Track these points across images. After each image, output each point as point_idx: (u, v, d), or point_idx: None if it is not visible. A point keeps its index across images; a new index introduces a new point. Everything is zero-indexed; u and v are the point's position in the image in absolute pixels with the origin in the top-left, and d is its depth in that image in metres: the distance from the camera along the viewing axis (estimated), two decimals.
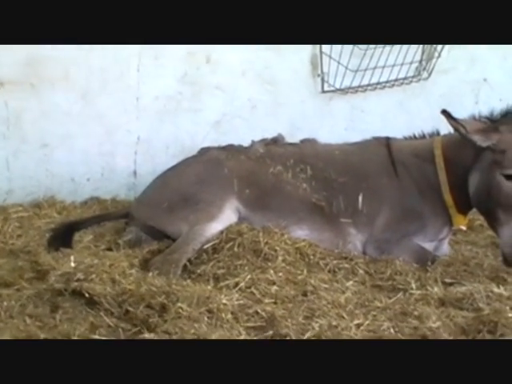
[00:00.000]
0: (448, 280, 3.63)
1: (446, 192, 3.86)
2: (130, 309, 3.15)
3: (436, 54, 5.10)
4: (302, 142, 4.30)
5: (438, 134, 4.06)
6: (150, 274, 3.42)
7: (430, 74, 5.14)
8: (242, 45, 4.65)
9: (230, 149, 4.10)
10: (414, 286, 3.54)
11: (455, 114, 4.55)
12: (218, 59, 4.69)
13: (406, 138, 4.13)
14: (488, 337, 2.99)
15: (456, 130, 3.74)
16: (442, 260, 3.80)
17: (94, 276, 3.25)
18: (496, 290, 3.42)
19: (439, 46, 5.09)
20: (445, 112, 3.72)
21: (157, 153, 4.58)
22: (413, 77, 5.12)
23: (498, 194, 3.65)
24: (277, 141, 4.22)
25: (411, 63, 5.08)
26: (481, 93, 5.34)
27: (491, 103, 5.15)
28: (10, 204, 4.22)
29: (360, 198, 3.87)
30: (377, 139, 4.12)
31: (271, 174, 3.91)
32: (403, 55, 5.00)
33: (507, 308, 3.15)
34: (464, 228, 3.97)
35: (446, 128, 4.18)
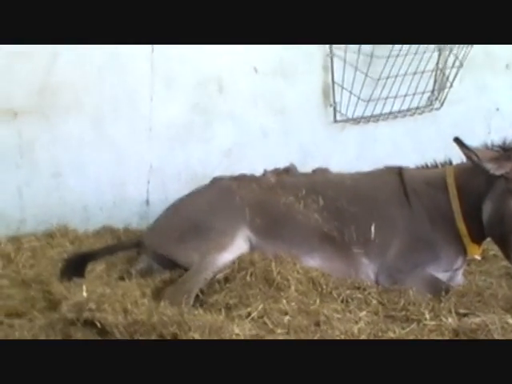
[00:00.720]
0: (462, 311, 3.59)
1: (460, 221, 3.84)
2: (142, 338, 3.13)
3: (448, 84, 5.12)
4: (314, 171, 4.30)
5: (451, 163, 4.06)
6: (162, 303, 3.41)
7: (442, 104, 5.15)
8: (253, 72, 4.69)
9: (242, 178, 4.10)
10: (427, 316, 3.51)
11: (468, 143, 4.56)
12: (230, 88, 4.72)
13: (417, 167, 4.13)
14: None
15: (468, 158, 3.74)
16: (456, 290, 3.77)
17: (106, 306, 3.24)
18: (511, 321, 3.38)
19: (451, 76, 5.10)
20: (457, 140, 3.72)
21: (169, 181, 4.59)
22: (425, 107, 5.14)
23: None
24: (289, 170, 4.22)
25: (423, 93, 5.09)
26: (493, 122, 5.35)
27: (503, 132, 5.18)
28: (22, 233, 4.22)
29: (372, 228, 3.85)
30: (389, 168, 4.12)
31: (283, 204, 3.90)
32: (415, 85, 5.02)
33: None
34: (478, 258, 3.95)
35: (458, 158, 4.18)
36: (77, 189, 4.40)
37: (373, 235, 3.85)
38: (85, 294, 3.29)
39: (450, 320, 3.45)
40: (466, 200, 3.83)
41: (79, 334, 3.13)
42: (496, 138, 3.92)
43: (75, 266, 3.73)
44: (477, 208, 3.79)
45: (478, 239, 3.88)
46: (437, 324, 3.44)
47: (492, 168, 3.68)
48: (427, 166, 4.11)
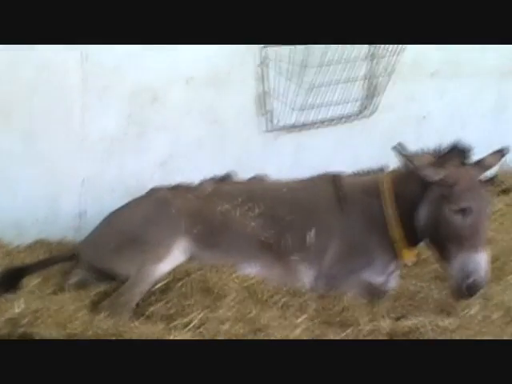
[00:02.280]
0: (395, 314, 3.67)
1: (392, 227, 3.91)
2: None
3: (377, 93, 5.22)
4: (252, 178, 4.33)
5: (384, 169, 4.13)
6: (97, 317, 3.37)
7: (372, 112, 5.25)
8: (186, 82, 4.69)
9: (178, 188, 4.10)
10: (363, 320, 3.57)
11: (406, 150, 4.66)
12: (163, 98, 4.70)
13: (352, 174, 4.20)
14: None
15: (409, 163, 3.79)
16: (389, 295, 3.84)
17: (40, 321, 3.19)
18: (441, 323, 3.47)
19: (381, 85, 5.21)
20: (396, 147, 3.79)
21: (103, 194, 4.54)
22: (356, 114, 5.23)
23: (447, 228, 3.71)
24: (227, 178, 4.24)
25: (355, 101, 5.18)
26: (422, 129, 5.48)
27: (432, 139, 5.31)
28: None
29: (308, 235, 3.90)
30: (323, 175, 4.17)
31: (219, 213, 3.91)
32: (346, 93, 5.10)
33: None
34: (410, 263, 4.03)
35: (390, 164, 4.27)
36: (8, 204, 4.31)
37: (309, 242, 3.89)
38: (17, 309, 3.23)
39: (384, 323, 3.52)
40: (401, 206, 3.90)
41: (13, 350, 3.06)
42: (425, 145, 4.01)
43: (8, 282, 3.66)
44: (411, 213, 3.85)
45: (412, 244, 3.96)
46: (372, 328, 3.50)
47: (428, 174, 3.75)
48: (361, 172, 4.17)
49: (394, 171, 4.07)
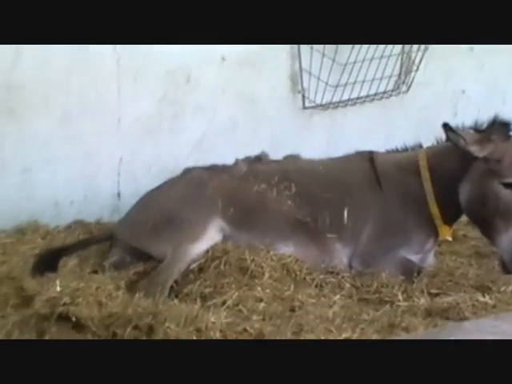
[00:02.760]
0: (434, 291, 3.66)
1: (432, 203, 3.88)
2: (118, 331, 3.13)
3: (414, 68, 5.15)
4: (286, 158, 4.32)
5: (421, 146, 4.10)
6: (137, 295, 3.41)
7: (408, 88, 5.19)
8: (220, 62, 4.68)
9: (214, 168, 4.11)
10: (400, 297, 3.57)
11: (435, 127, 4.60)
12: (198, 78, 4.71)
13: (388, 152, 4.16)
14: None
15: (455, 142, 3.76)
16: (428, 271, 3.82)
17: (80, 300, 3.23)
18: (481, 299, 3.45)
19: (417, 59, 5.14)
20: (445, 126, 3.75)
21: (139, 174, 4.57)
22: (392, 91, 5.17)
23: (497, 203, 3.69)
24: (260, 158, 4.23)
25: (390, 77, 5.13)
26: (459, 104, 5.40)
27: (469, 114, 5.22)
28: None
29: (345, 213, 3.88)
30: (360, 153, 4.14)
31: (255, 192, 3.91)
32: (382, 70, 5.05)
33: (492, 316, 3.17)
34: (450, 239, 4.00)
35: (426, 140, 4.23)
36: (46, 184, 4.37)
37: (345, 220, 3.87)
38: (58, 288, 3.28)
39: (422, 300, 3.52)
40: (439, 182, 3.87)
41: (53, 329, 3.12)
42: (462, 121, 3.96)
43: (47, 262, 3.71)
44: (450, 190, 3.83)
45: (449, 221, 3.93)
46: (409, 305, 3.50)
47: (476, 150, 3.72)
48: (398, 150, 4.14)
49: (430, 148, 4.03)
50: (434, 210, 3.88)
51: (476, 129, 3.84)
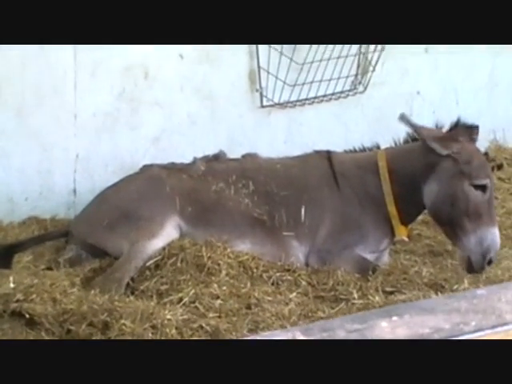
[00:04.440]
0: (388, 289, 3.70)
1: (390, 203, 3.92)
2: (72, 328, 3.11)
3: (371, 68, 5.21)
4: (244, 156, 4.33)
5: (379, 147, 4.14)
6: (92, 292, 3.38)
7: (365, 88, 5.24)
8: (179, 58, 4.66)
9: (172, 167, 4.09)
10: (355, 295, 3.60)
11: (391, 126, 4.64)
12: (156, 74, 4.68)
13: (346, 152, 4.20)
14: None
15: (417, 133, 3.80)
16: (382, 269, 3.86)
17: (34, 296, 3.20)
18: (434, 296, 3.49)
19: (374, 60, 5.19)
20: (403, 117, 3.79)
21: (96, 170, 4.53)
22: (349, 90, 5.21)
23: (466, 204, 3.74)
24: (218, 157, 4.23)
25: (347, 77, 5.17)
26: (414, 105, 5.47)
27: (425, 115, 5.31)
28: None
29: (302, 211, 3.91)
30: (318, 152, 4.17)
31: (213, 192, 3.91)
32: (339, 70, 5.09)
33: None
34: (406, 239, 4.05)
35: (382, 139, 4.27)
36: (0, 179, 4.30)
37: (303, 218, 3.90)
38: (12, 285, 3.24)
39: (377, 298, 3.55)
40: (399, 183, 3.90)
41: (6, 326, 3.08)
42: (418, 121, 4.01)
43: (1, 258, 3.66)
44: (411, 190, 3.86)
45: (407, 221, 3.97)
46: (365, 302, 3.53)
47: (438, 147, 3.76)
48: (355, 150, 4.18)
49: (389, 148, 4.08)
50: (392, 210, 3.92)
51: (437, 128, 3.90)
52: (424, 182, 3.84)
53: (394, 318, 1.44)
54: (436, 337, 1.38)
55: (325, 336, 1.37)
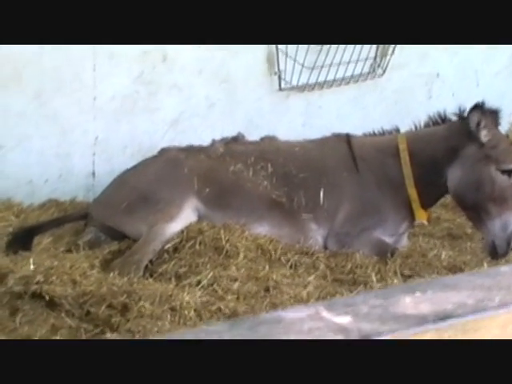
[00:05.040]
0: (407, 272, 3.69)
1: (411, 186, 3.90)
2: (92, 309, 3.13)
3: (389, 51, 5.17)
4: (262, 139, 4.32)
5: (398, 130, 4.11)
6: (111, 274, 3.40)
7: (384, 71, 5.20)
8: (197, 44, 4.65)
9: (190, 149, 4.10)
10: (374, 278, 3.59)
11: (409, 109, 4.62)
12: (174, 58, 4.67)
13: (365, 135, 4.18)
14: None
15: (474, 122, 3.73)
16: (401, 252, 3.86)
17: (53, 278, 3.22)
18: (457, 274, 3.47)
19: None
20: (479, 106, 3.73)
21: (115, 153, 4.54)
22: (368, 73, 5.18)
23: (492, 188, 3.73)
24: (237, 139, 4.23)
25: (366, 60, 5.13)
26: (433, 88, 5.43)
27: (444, 97, 5.27)
28: None
29: (321, 193, 3.90)
30: (337, 135, 4.15)
31: (231, 173, 3.91)
32: (358, 52, 5.05)
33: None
34: (426, 222, 4.04)
35: (401, 122, 4.25)
36: (20, 162, 4.32)
37: (321, 200, 3.89)
38: (32, 266, 3.26)
39: (395, 281, 3.54)
40: (421, 166, 3.88)
41: (27, 307, 3.11)
42: (436, 104, 3.99)
43: (21, 240, 3.68)
44: (432, 174, 3.85)
45: (427, 205, 3.95)
46: (383, 285, 3.52)
47: (483, 135, 3.75)
48: (375, 133, 4.15)
49: (410, 132, 4.05)
50: (412, 193, 3.90)
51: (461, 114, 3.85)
52: (447, 166, 3.83)
53: (417, 294, 1.44)
54: (459, 312, 1.38)
55: (348, 311, 1.37)
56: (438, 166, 3.84)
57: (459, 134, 3.80)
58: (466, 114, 3.83)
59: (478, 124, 3.75)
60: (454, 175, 3.82)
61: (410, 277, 3.65)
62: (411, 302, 1.43)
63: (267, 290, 3.46)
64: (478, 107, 3.76)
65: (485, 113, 3.77)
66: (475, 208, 3.80)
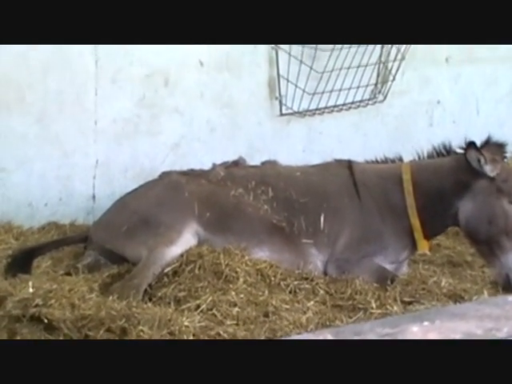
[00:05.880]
0: (407, 299, 3.67)
1: (414, 216, 3.89)
2: (90, 333, 3.11)
3: (391, 77, 5.20)
4: (263, 163, 4.33)
5: (401, 159, 4.11)
6: (110, 298, 3.39)
7: (385, 97, 5.23)
8: (199, 66, 4.68)
9: (191, 173, 4.10)
10: (373, 305, 3.58)
11: (410, 136, 4.64)
12: (176, 82, 4.70)
13: (367, 162, 4.18)
14: None
15: (471, 162, 3.74)
16: (401, 279, 3.84)
17: (52, 301, 3.21)
18: (465, 303, 3.46)
19: (394, 69, 5.18)
20: (471, 144, 3.75)
21: (115, 176, 4.55)
22: (368, 99, 5.21)
23: (505, 222, 3.73)
24: (238, 163, 4.24)
25: (367, 86, 5.16)
26: (434, 115, 5.45)
27: (444, 124, 5.29)
28: None
29: (321, 219, 3.89)
30: (338, 161, 4.15)
31: (232, 197, 3.91)
32: (359, 78, 5.08)
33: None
34: (428, 252, 4.03)
35: (401, 149, 4.26)
36: (21, 185, 4.33)
37: (322, 226, 3.88)
38: (31, 290, 3.25)
39: (395, 308, 3.53)
40: (425, 197, 3.87)
41: (25, 331, 3.09)
42: (437, 131, 4.00)
43: (20, 262, 3.68)
44: (438, 206, 3.84)
45: (430, 235, 3.95)
46: (383, 312, 3.51)
47: (489, 170, 3.75)
48: (377, 160, 4.15)
49: (414, 162, 4.03)
50: (415, 223, 3.88)
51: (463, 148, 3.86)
52: (457, 198, 3.82)
53: (425, 323, 1.43)
54: None
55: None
56: (446, 199, 3.84)
57: (467, 169, 3.80)
58: (465, 148, 3.83)
59: (479, 161, 3.75)
60: (466, 209, 3.82)
61: (410, 303, 3.64)
62: (419, 332, 1.42)
63: (266, 315, 3.44)
64: (472, 146, 3.76)
65: (483, 149, 3.76)
66: (488, 242, 3.79)
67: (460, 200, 3.82)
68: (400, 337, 1.40)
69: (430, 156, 4.02)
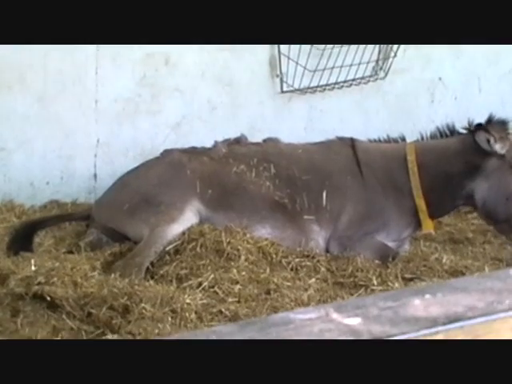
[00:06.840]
0: (408, 276, 3.69)
1: (419, 197, 3.88)
2: (93, 311, 3.13)
3: (392, 54, 5.17)
4: (265, 141, 4.32)
5: (404, 139, 4.09)
6: (112, 276, 3.40)
7: (386, 74, 5.21)
8: (200, 46, 4.66)
9: (193, 151, 4.10)
10: (375, 282, 3.59)
11: (412, 113, 4.62)
12: (177, 61, 4.69)
13: (370, 141, 4.16)
14: None
15: (484, 142, 3.73)
16: (402, 256, 3.85)
17: (55, 279, 3.23)
18: (467, 277, 3.47)
19: (395, 46, 5.15)
20: (480, 126, 3.73)
21: (117, 156, 4.55)
22: (370, 76, 5.18)
23: None
24: (240, 141, 4.23)
25: (368, 63, 5.14)
26: (436, 92, 5.43)
27: (446, 102, 5.27)
28: None
29: (324, 195, 3.89)
30: (341, 139, 4.14)
31: (234, 174, 3.91)
32: (360, 55, 5.06)
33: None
34: (433, 232, 4.03)
35: (403, 126, 4.25)
36: (22, 164, 4.34)
37: (324, 203, 3.89)
38: (33, 267, 3.27)
39: (396, 285, 3.54)
40: (431, 178, 3.86)
41: (28, 308, 3.11)
42: (439, 108, 3.99)
43: (22, 240, 3.69)
44: (445, 187, 3.83)
45: (435, 215, 3.95)
46: (384, 289, 3.52)
47: (499, 148, 3.74)
48: (380, 140, 4.13)
49: (419, 143, 4.01)
50: (421, 204, 3.88)
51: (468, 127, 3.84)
52: (468, 180, 3.81)
53: (427, 296, 1.44)
54: (470, 315, 1.38)
55: (358, 313, 1.37)
56: (456, 180, 3.82)
57: (475, 149, 3.79)
58: (473, 129, 3.80)
59: (488, 141, 3.74)
60: (481, 189, 3.81)
61: (411, 280, 3.65)
62: (421, 305, 1.42)
63: (268, 292, 3.46)
64: (481, 127, 3.74)
65: (491, 129, 3.74)
66: (508, 219, 3.79)
67: (472, 181, 3.80)
68: (402, 310, 1.41)
69: (433, 136, 4.00)
